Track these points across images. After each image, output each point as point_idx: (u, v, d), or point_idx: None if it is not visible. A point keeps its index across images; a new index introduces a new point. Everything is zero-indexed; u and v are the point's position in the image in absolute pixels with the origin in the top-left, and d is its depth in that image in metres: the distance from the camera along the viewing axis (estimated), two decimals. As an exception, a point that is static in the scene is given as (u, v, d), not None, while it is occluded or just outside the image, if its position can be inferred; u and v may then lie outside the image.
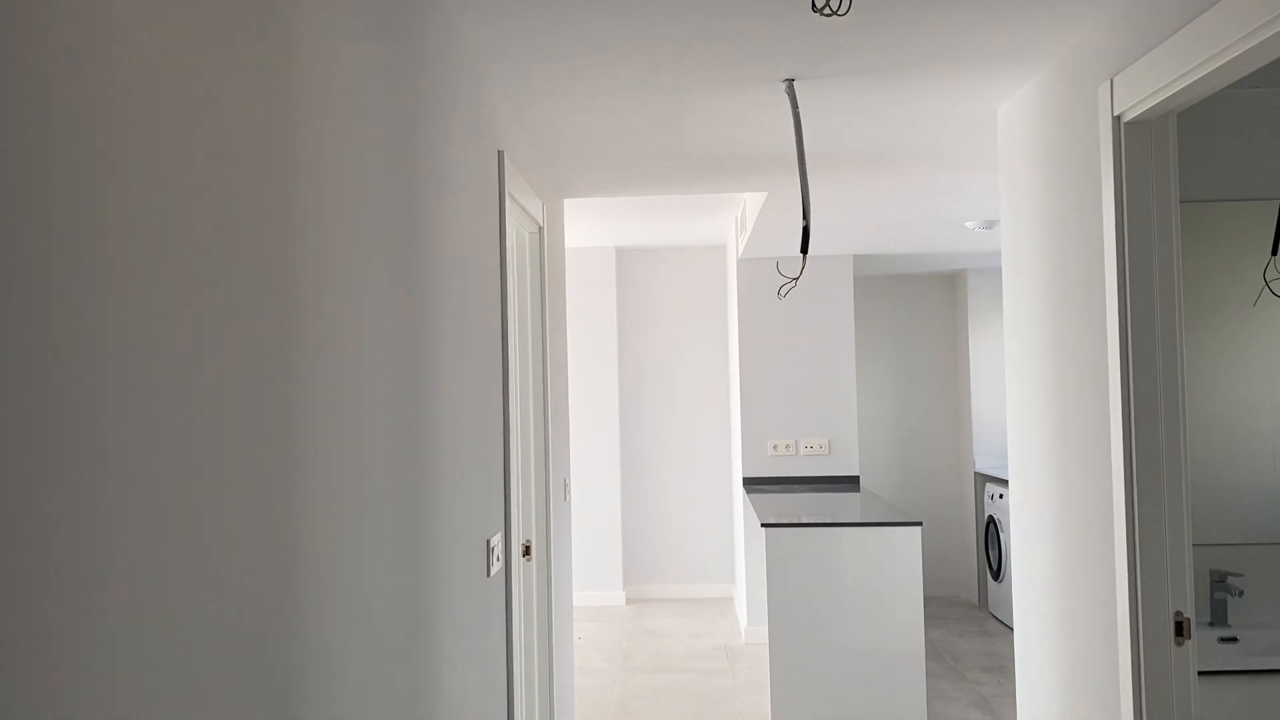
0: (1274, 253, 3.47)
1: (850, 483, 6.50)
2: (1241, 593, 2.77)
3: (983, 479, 7.30)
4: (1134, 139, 2.23)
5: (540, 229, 3.47)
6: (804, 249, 2.56)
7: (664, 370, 7.62)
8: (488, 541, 2.46)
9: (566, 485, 4.08)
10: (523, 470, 3.40)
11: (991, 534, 6.94)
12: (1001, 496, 6.74)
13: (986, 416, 7.42)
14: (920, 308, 7.97)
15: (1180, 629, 2.21)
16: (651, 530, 7.58)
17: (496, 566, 2.54)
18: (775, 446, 6.49)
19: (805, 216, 2.55)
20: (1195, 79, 2.00)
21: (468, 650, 2.26)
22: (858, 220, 5.19)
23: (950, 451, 7.89)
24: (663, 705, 5.20)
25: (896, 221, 5.29)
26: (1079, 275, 2.54)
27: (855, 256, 6.60)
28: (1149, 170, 2.23)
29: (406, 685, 1.81)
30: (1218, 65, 1.92)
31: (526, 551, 3.42)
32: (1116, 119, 2.25)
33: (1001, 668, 5.79)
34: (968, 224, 5.35)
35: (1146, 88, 2.13)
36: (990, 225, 5.33)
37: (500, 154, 2.72)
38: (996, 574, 6.86)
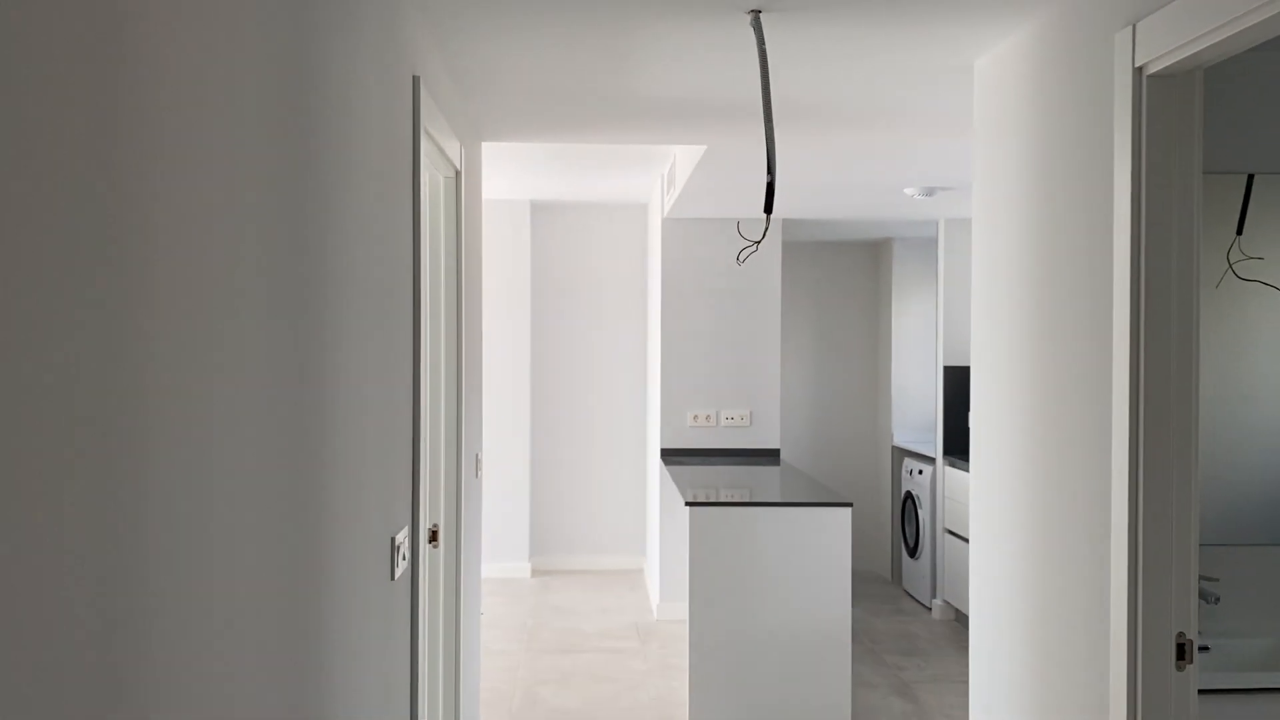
0: (1239, 232, 3.25)
1: (771, 456, 6.26)
2: (1218, 599, 2.57)
3: (901, 453, 7.15)
4: (1158, 94, 1.94)
5: (458, 174, 3.07)
6: (768, 209, 2.23)
7: (580, 333, 7.24)
8: (392, 540, 2.09)
9: (479, 460, 3.71)
10: (432, 449, 3.01)
11: (909, 510, 6.79)
12: (920, 472, 6.59)
13: (907, 390, 7.25)
14: (843, 277, 7.75)
15: (1182, 651, 1.97)
16: (561, 500, 7.24)
17: (402, 567, 2.17)
18: (695, 417, 6.21)
19: (770, 171, 2.22)
20: (1238, 30, 1.71)
21: (367, 663, 1.90)
22: (795, 182, 4.88)
23: (869, 425, 7.72)
24: (571, 690, 4.90)
25: (833, 185, 5.01)
26: (1079, 247, 2.26)
27: (785, 221, 6.32)
28: (1172, 129, 1.95)
29: (287, 707, 1.44)
30: (1268, 15, 1.63)
31: (433, 537, 3.04)
32: (1138, 70, 1.96)
33: (920, 650, 5.65)
34: (907, 190, 5.10)
35: (1177, 36, 1.84)
36: (930, 192, 5.09)
37: (416, 80, 2.31)
38: (913, 551, 6.73)
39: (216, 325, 1.16)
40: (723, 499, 4.67)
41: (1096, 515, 2.15)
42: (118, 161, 0.92)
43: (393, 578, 2.08)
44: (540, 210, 7.15)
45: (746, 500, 4.57)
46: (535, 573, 7.14)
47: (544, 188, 6.40)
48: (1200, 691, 2.39)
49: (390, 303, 2.10)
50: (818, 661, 4.40)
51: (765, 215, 2.24)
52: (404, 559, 2.18)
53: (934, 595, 6.38)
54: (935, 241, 6.44)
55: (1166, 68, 1.91)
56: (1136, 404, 1.98)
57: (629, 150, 5.13)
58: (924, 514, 6.51)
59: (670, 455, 6.17)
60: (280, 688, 1.40)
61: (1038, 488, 2.47)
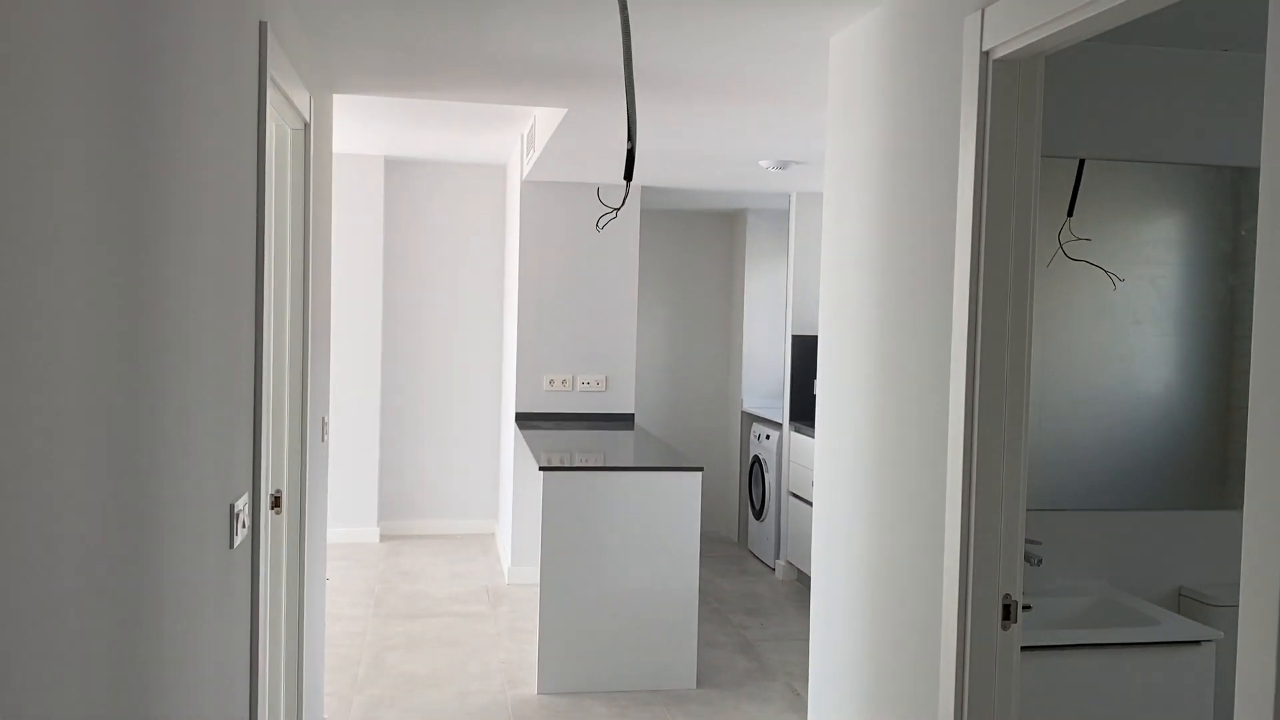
0: (1070, 214, 3.42)
1: (626, 420, 6.30)
2: (1040, 561, 2.73)
3: (750, 418, 7.31)
4: (1003, 77, 2.02)
5: (306, 126, 2.94)
6: (628, 175, 2.21)
7: (433, 295, 7.10)
8: (231, 507, 2.00)
9: (325, 424, 3.60)
10: (275, 412, 2.91)
11: (756, 473, 6.96)
12: (768, 437, 6.76)
13: (757, 357, 7.41)
14: (698, 246, 7.83)
15: (1007, 612, 2.08)
16: (412, 465, 7.12)
17: (242, 534, 2.09)
18: (551, 381, 6.19)
19: (631, 138, 2.20)
20: (1079, 20, 1.79)
21: (204, 632, 1.82)
22: (653, 149, 4.89)
23: (720, 390, 7.86)
24: (420, 655, 4.85)
25: (693, 154, 5.03)
26: (924, 223, 2.33)
27: (644, 189, 6.33)
28: (1015, 113, 2.03)
29: (119, 689, 1.37)
30: (1107, 7, 1.71)
31: (276, 503, 2.94)
32: (985, 54, 2.03)
33: (763, 610, 5.82)
34: (762, 163, 5.17)
35: (1022, 23, 1.91)
36: (784, 165, 5.18)
37: (263, 26, 2.19)
38: (759, 513, 6.91)
39: (26, 282, 1.07)
40: (577, 463, 4.68)
41: (932, 482, 2.24)
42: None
43: (231, 546, 2.00)
44: (394, 166, 6.95)
45: (600, 465, 4.59)
46: (384, 538, 7.01)
47: (399, 143, 6.22)
48: (1023, 648, 2.55)
49: (232, 260, 2.00)
50: (666, 622, 4.48)
51: (625, 182, 2.23)
52: (244, 526, 2.10)
53: (777, 556, 6.58)
54: (787, 214, 6.57)
55: (1011, 53, 1.98)
56: (973, 376, 2.07)
57: (488, 109, 5.02)
58: (770, 478, 6.68)
59: (525, 419, 6.14)
60: (108, 659, 1.33)
61: (878, 455, 2.56)
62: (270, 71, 2.26)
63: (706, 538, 7.56)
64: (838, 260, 2.90)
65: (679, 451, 5.53)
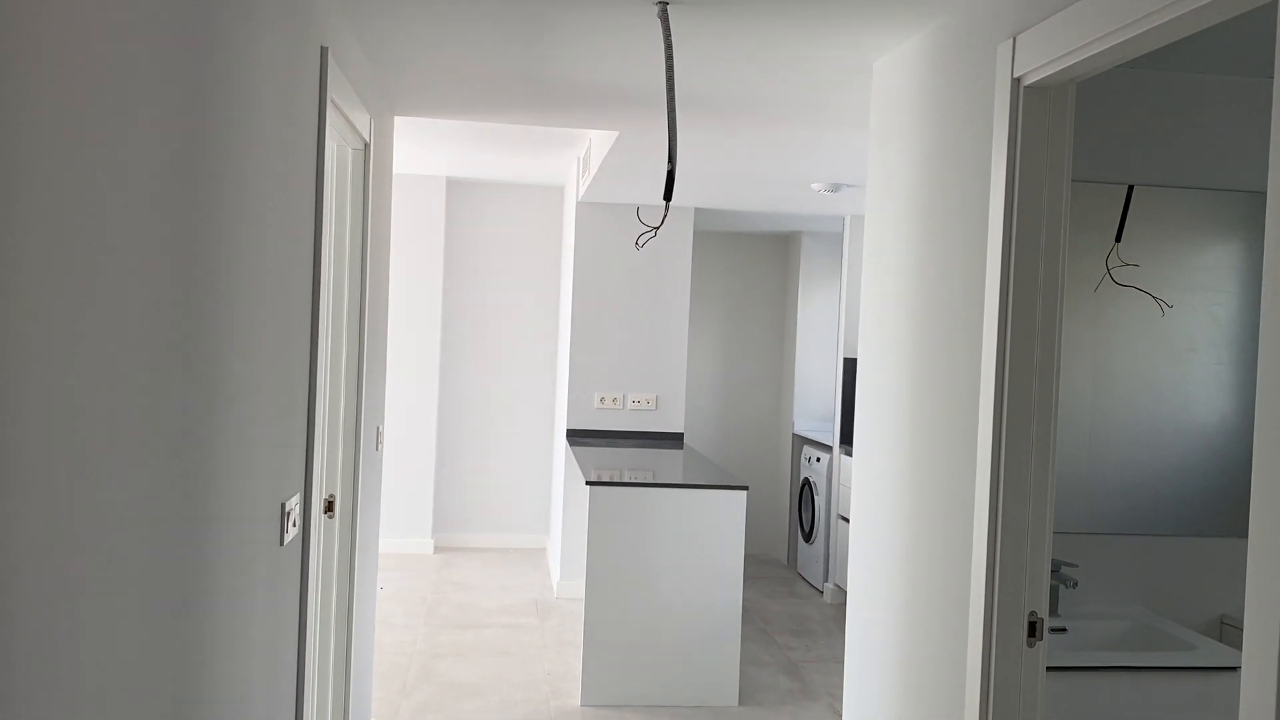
0: (1118, 239, 3.42)
1: (675, 439, 6.36)
2: (1076, 583, 2.73)
3: (801, 441, 7.33)
4: (1033, 104, 2.06)
5: (366, 146, 3.07)
6: (667, 196, 2.29)
7: (491, 312, 7.25)
8: (283, 506, 2.11)
9: (380, 434, 3.72)
10: (330, 419, 3.02)
11: (806, 496, 6.97)
12: (819, 460, 6.77)
13: (809, 379, 7.43)
14: (752, 267, 7.89)
15: (1033, 629, 2.11)
16: (466, 478, 7.25)
17: (292, 533, 2.19)
18: (602, 399, 6.27)
19: (671, 160, 2.28)
20: (1107, 46, 1.83)
21: (253, 624, 1.92)
22: (705, 172, 4.97)
23: (771, 412, 7.88)
24: (467, 664, 4.94)
25: (743, 176, 5.10)
26: (957, 247, 2.38)
27: (696, 210, 6.41)
28: (1045, 139, 2.07)
29: (168, 678, 1.47)
30: (1134, 34, 1.75)
31: (329, 508, 3.05)
32: (1016, 81, 2.08)
33: (809, 631, 5.82)
34: (814, 185, 5.23)
35: (1052, 50, 1.96)
36: (836, 188, 5.23)
37: (324, 50, 2.32)
38: (808, 536, 6.91)
39: (88, 288, 1.18)
40: (624, 480, 4.75)
41: (962, 502, 2.27)
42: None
43: (282, 543, 2.11)
44: (456, 187, 7.13)
45: (645, 481, 4.65)
46: (438, 549, 7.14)
47: (460, 164, 6.39)
48: (1057, 669, 2.56)
49: (291, 273, 2.12)
50: (709, 639, 4.52)
51: (664, 203, 2.31)
52: (294, 525, 2.20)
53: (826, 579, 6.57)
54: (841, 236, 6.60)
55: (1042, 79, 2.03)
56: (1001, 398, 2.10)
57: (546, 132, 5.15)
58: (820, 500, 6.69)
59: (576, 436, 6.23)
60: (165, 653, 1.43)
61: (912, 475, 2.60)
62: (331, 94, 2.38)
63: (756, 559, 7.58)
64: (877, 284, 2.94)
65: (725, 470, 5.57)
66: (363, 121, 2.95)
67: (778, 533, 7.69)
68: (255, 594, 1.92)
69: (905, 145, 2.75)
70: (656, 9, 2.42)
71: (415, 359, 6.91)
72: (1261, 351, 1.34)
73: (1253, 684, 1.33)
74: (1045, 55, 1.98)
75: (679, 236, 6.27)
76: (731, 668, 4.54)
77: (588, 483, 4.46)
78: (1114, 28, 1.79)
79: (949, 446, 2.38)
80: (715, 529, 4.51)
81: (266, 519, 1.98)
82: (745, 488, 4.56)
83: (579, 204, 6.12)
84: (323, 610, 3.09)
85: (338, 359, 3.02)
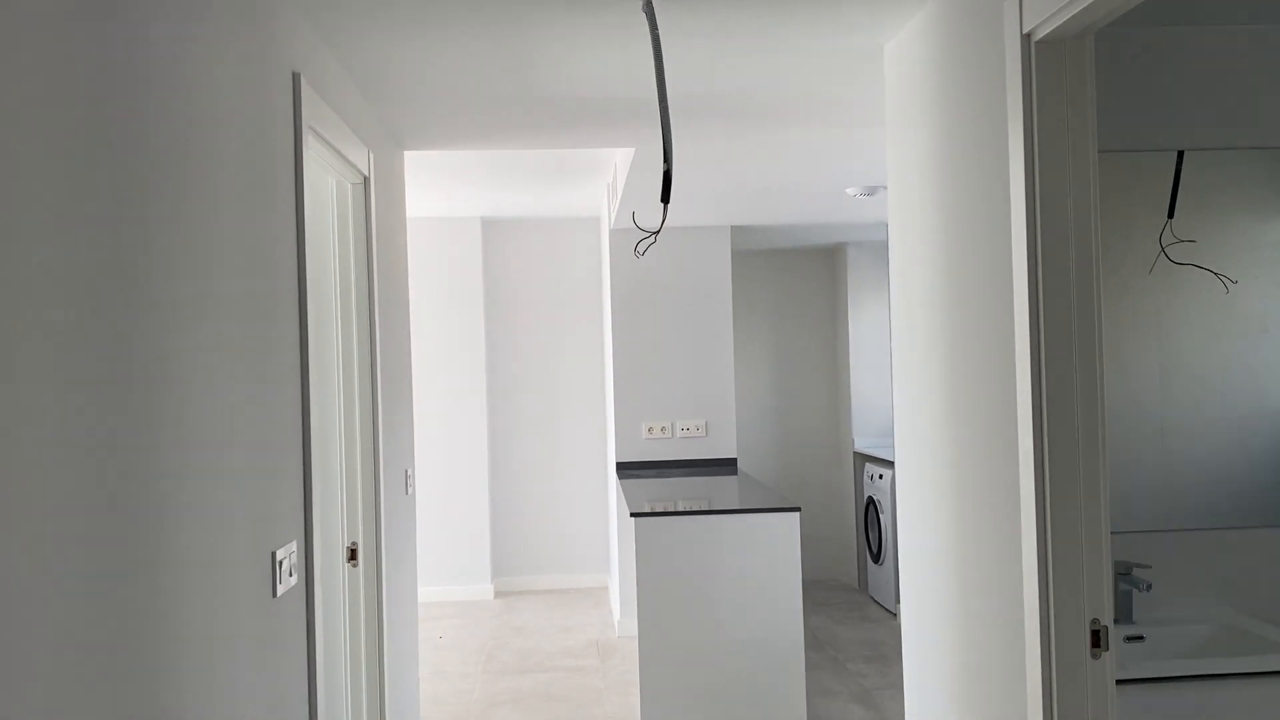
0: (1170, 215, 3.18)
1: (728, 465, 6.17)
2: (1150, 586, 2.49)
3: (862, 458, 7.08)
4: (1046, 60, 1.88)
5: (365, 180, 2.98)
6: (665, 197, 2.14)
7: (535, 350, 7.15)
8: (273, 554, 1.98)
9: (409, 476, 3.61)
10: (347, 463, 2.91)
11: (871, 515, 6.71)
12: (881, 477, 6.51)
13: (866, 394, 7.19)
14: (798, 283, 7.69)
15: (1096, 638, 1.89)
16: (522, 520, 7.12)
17: (290, 583, 2.07)
18: (650, 429, 6.12)
19: (666, 159, 2.14)
20: (1118, -13, 1.65)
21: (237, 688, 1.79)
22: (734, 187, 4.83)
23: (830, 431, 7.64)
24: (525, 711, 4.78)
25: (774, 188, 4.95)
26: (981, 231, 2.19)
27: (733, 228, 6.26)
28: (1064, 100, 1.89)
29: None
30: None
31: (353, 556, 2.94)
32: (1026, 37, 1.90)
33: (883, 656, 5.55)
34: (848, 190, 5.05)
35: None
36: (872, 191, 5.04)
37: (296, 76, 2.23)
38: (877, 556, 6.65)
39: (15, 334, 1.07)
40: (669, 510, 4.58)
41: (1008, 505, 2.07)
42: None
43: (275, 595, 1.98)
44: (491, 227, 7.07)
45: (691, 509, 4.48)
46: (499, 594, 7.02)
47: (494, 204, 6.32)
48: (1132, 681, 2.32)
49: (267, 306, 2.01)
50: (772, 669, 4.30)
51: (663, 205, 2.16)
52: (292, 575, 2.08)
53: (899, 601, 6.29)
54: (886, 245, 6.39)
55: (1053, 31, 1.85)
56: (1039, 390, 1.91)
57: (576, 163, 5.06)
58: (885, 519, 6.43)
59: (625, 469, 6.08)
60: (115, 704, 1.30)
61: (955, 480, 2.40)
62: (309, 123, 2.29)
63: (825, 585, 7.32)
64: (903, 283, 2.76)
65: (778, 493, 5.37)
66: (358, 154, 2.86)
67: (845, 555, 7.43)
68: (237, 650, 1.79)
69: (921, 129, 2.58)
70: (641, 2, 2.28)
71: (462, 406, 6.83)
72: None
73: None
74: (1053, 4, 1.80)
75: (717, 256, 6.12)
76: (798, 698, 4.31)
77: (632, 514, 4.30)
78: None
79: (990, 449, 2.18)
80: (769, 554, 4.31)
81: (250, 568, 1.85)
82: (798, 509, 4.36)
83: (612, 231, 6.00)
84: (353, 662, 2.97)
85: (350, 398, 2.92)
